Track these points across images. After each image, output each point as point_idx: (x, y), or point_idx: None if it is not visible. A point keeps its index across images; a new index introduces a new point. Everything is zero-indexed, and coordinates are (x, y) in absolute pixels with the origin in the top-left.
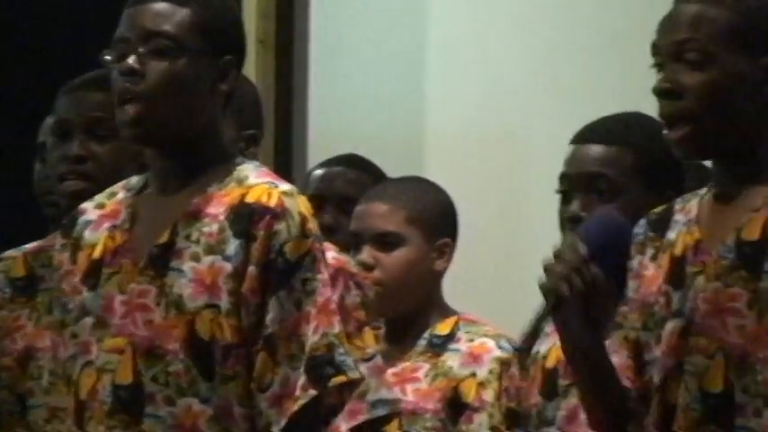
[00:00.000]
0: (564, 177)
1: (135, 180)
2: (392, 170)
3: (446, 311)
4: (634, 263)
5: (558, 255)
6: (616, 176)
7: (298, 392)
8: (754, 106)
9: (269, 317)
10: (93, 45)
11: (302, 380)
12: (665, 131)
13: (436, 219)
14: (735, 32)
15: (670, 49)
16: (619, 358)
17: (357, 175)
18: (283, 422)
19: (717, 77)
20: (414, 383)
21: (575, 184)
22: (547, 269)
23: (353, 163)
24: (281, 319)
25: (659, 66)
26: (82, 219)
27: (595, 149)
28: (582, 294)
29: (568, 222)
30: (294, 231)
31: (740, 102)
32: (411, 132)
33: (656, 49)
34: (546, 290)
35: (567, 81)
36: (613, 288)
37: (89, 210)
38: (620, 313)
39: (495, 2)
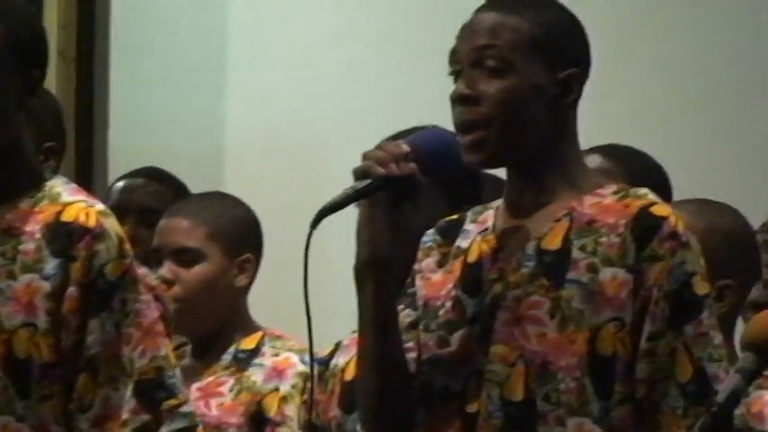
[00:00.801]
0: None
1: None
2: (193, 182)
3: (251, 327)
4: (421, 265)
5: (379, 146)
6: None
7: (126, 416)
8: (550, 119)
9: (90, 338)
10: None
11: (132, 404)
12: (458, 137)
13: (238, 234)
14: (535, 44)
15: (469, 55)
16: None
17: (157, 187)
18: None
19: (515, 86)
20: (218, 398)
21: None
22: (365, 155)
23: (154, 175)
24: (103, 341)
25: (457, 73)
26: None
27: None
28: (396, 181)
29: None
30: (113, 252)
31: (536, 113)
32: (212, 145)
33: (454, 56)
34: (359, 171)
35: (369, 97)
36: (422, 191)
37: None
38: (408, 295)
39: (297, 16)
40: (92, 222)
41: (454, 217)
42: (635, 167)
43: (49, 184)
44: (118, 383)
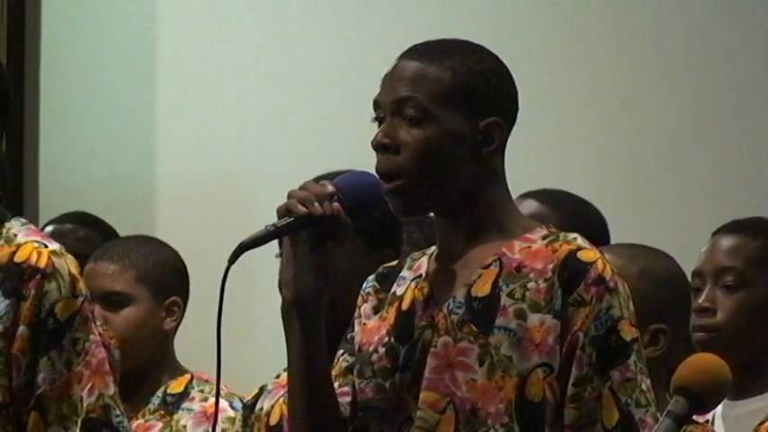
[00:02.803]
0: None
1: None
2: (124, 229)
3: (179, 370)
4: (360, 310)
5: (303, 186)
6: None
7: None
8: (473, 166)
9: (40, 376)
10: None
11: None
12: (383, 185)
13: (165, 277)
14: (455, 93)
15: (390, 105)
16: (339, 383)
17: (87, 232)
18: None
19: (434, 135)
20: None
21: None
22: (289, 194)
23: (83, 221)
24: (52, 380)
25: (380, 120)
26: None
27: None
28: (319, 220)
29: None
30: (64, 291)
31: (457, 161)
32: (142, 187)
33: (377, 104)
34: (281, 209)
35: (295, 145)
36: (349, 231)
37: None
38: (348, 341)
39: (225, 66)
40: (42, 262)
41: (393, 263)
42: (570, 211)
43: (7, 225)
44: (68, 423)
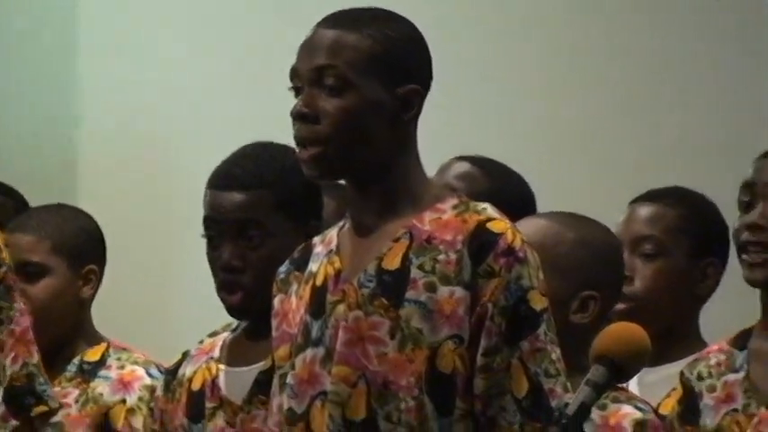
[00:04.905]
0: (207, 220)
1: None
2: (46, 191)
3: (96, 338)
4: (275, 302)
5: None
6: (261, 219)
7: None
8: (390, 134)
9: None
10: None
11: (1, 410)
12: (298, 151)
13: (81, 246)
14: (374, 60)
15: (309, 74)
16: (277, 401)
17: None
18: None
19: (353, 104)
20: (64, 409)
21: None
22: None
23: None
24: None
25: (298, 89)
26: None
27: (236, 196)
28: None
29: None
30: None
31: (376, 129)
32: (63, 153)
33: (294, 73)
34: None
35: (223, 112)
36: None
37: None
38: (276, 356)
39: (152, 32)
40: None
41: (303, 245)
42: (499, 176)
43: None
44: None
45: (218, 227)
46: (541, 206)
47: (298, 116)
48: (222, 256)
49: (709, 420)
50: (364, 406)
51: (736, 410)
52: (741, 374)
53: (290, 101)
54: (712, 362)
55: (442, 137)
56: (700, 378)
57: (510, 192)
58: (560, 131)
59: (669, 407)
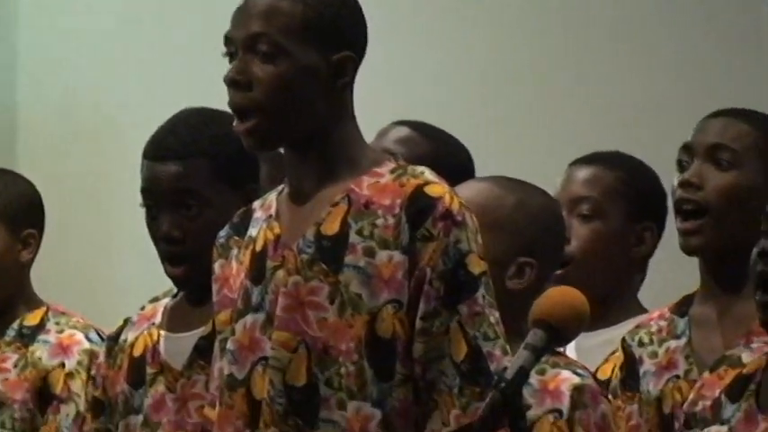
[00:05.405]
0: (144, 191)
1: None
2: None
3: (35, 302)
4: (215, 266)
5: None
6: (198, 188)
7: None
8: (325, 101)
9: None
10: None
11: None
12: (234, 123)
13: (20, 210)
14: (308, 27)
15: (243, 41)
16: (217, 366)
17: None
18: None
19: (288, 71)
20: (2, 374)
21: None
22: None
23: None
24: None
25: (231, 56)
26: None
27: (171, 166)
28: None
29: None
30: None
31: (310, 96)
32: (2, 117)
33: (228, 39)
34: None
35: (165, 75)
36: None
37: None
38: (217, 321)
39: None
40: None
41: (243, 210)
42: (438, 140)
43: None
44: None
45: (155, 198)
46: (484, 172)
47: (230, 83)
48: (161, 226)
49: (651, 386)
50: (305, 371)
51: (677, 377)
52: (683, 341)
53: (225, 66)
54: (654, 328)
55: (380, 102)
56: (641, 344)
57: (449, 156)
58: (501, 97)
59: (607, 372)
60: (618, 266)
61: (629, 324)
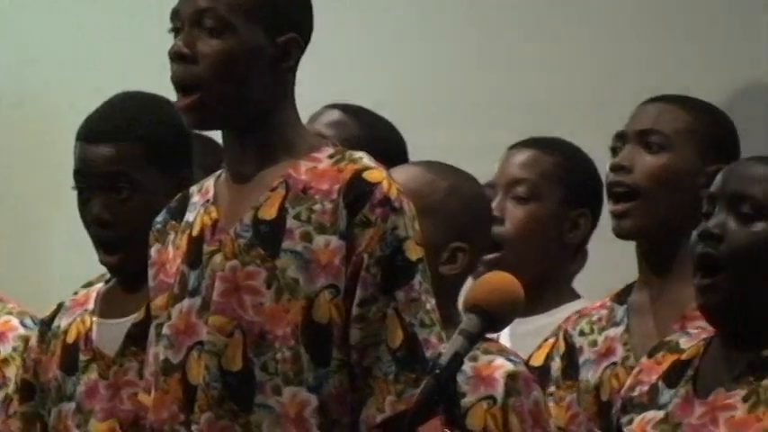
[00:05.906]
0: (77, 174)
1: None
2: None
3: None
4: (152, 251)
5: None
6: (130, 172)
7: None
8: (268, 82)
9: None
10: None
11: None
12: (176, 99)
13: None
14: (255, 6)
15: (190, 15)
16: (153, 351)
17: None
18: None
19: (232, 47)
20: None
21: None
22: None
23: None
24: None
25: (177, 31)
26: None
27: (104, 149)
28: None
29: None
30: None
31: (254, 75)
32: None
33: (175, 14)
34: None
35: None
36: None
37: None
38: (153, 306)
39: None
40: None
41: (181, 194)
42: (369, 124)
43: None
44: None
45: (87, 180)
46: (418, 156)
47: (175, 56)
48: (92, 210)
49: (590, 375)
50: (240, 356)
51: (614, 364)
52: (621, 328)
53: (168, 46)
54: (594, 317)
55: (314, 84)
56: (582, 334)
57: (381, 139)
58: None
59: (540, 358)
60: (551, 251)
61: (562, 311)
